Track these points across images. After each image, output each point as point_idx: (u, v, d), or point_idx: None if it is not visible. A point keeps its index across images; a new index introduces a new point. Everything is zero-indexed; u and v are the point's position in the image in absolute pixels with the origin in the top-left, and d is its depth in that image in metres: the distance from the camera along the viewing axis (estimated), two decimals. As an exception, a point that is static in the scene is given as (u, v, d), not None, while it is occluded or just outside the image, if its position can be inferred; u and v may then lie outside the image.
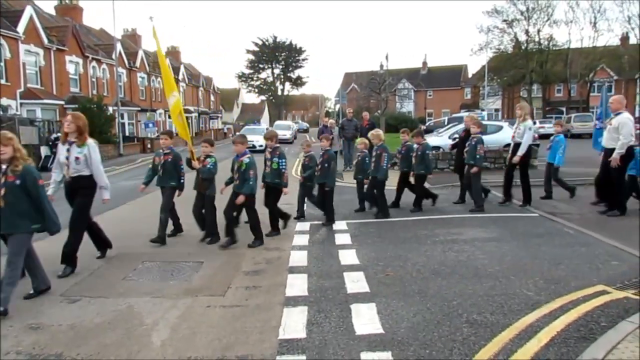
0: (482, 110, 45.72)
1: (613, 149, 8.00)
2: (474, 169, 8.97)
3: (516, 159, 9.06)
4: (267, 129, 35.02)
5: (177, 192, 7.27)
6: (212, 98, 64.89)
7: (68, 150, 5.72)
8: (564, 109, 49.98)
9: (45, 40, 27.42)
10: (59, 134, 19.59)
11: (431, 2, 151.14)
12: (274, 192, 7.51)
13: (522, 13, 48.21)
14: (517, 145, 9.08)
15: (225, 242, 6.87)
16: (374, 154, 8.68)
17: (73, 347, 3.83)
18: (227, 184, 7.21)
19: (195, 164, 7.22)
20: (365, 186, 8.95)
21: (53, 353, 3.74)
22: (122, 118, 31.96)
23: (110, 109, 30.07)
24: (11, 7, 27.87)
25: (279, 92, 79.99)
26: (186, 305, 4.69)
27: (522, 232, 7.44)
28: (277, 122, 46.94)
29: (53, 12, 35.48)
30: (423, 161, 9.06)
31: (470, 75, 67.32)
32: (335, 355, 3.62)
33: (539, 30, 48.46)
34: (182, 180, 7.25)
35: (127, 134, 33.16)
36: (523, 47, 49.27)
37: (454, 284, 5.10)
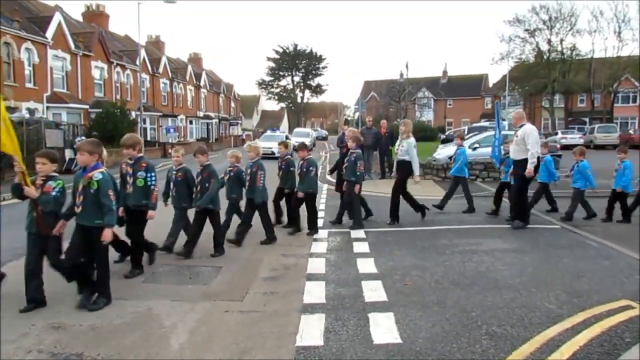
0: (503, 120, 45.24)
1: (521, 160, 8.11)
2: (357, 187, 8.27)
3: (417, 178, 8.85)
4: (286, 136, 35.26)
5: None
6: (232, 104, 65.51)
7: None
8: (586, 120, 49.21)
9: (72, 46, 28.10)
10: (84, 138, 20.12)
11: (452, 11, 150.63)
12: (138, 217, 5.80)
13: (544, 22, 47.61)
14: (401, 163, 8.84)
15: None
16: (247, 171, 7.38)
17: (93, 347, 3.88)
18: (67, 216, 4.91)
19: (31, 190, 4.67)
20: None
21: (74, 352, 3.79)
22: (144, 123, 32.54)
23: (133, 113, 30.56)
24: (40, 13, 28.65)
25: (299, 100, 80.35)
26: (204, 309, 4.72)
27: (543, 243, 7.33)
28: (296, 129, 47.12)
29: (80, 19, 36.31)
30: (307, 178, 8.01)
31: (490, 85, 66.76)
32: (353, 364, 3.60)
33: (561, 40, 47.82)
34: None
35: (148, 138, 33.72)
36: (545, 57, 48.62)
37: (474, 295, 5.04)
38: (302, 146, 8.55)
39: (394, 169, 9.29)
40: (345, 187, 8.52)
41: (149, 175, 5.75)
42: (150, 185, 5.75)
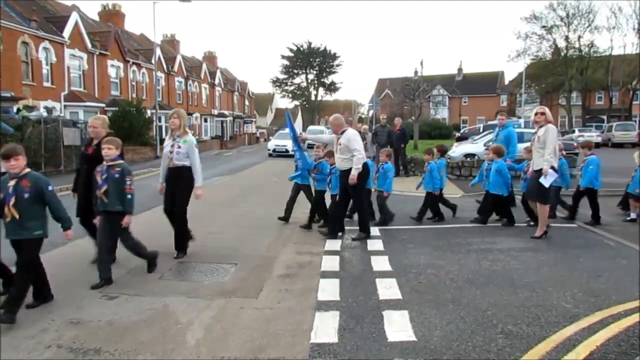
0: (519, 117, 44.77)
1: (348, 170, 7.28)
2: (126, 219, 5.49)
3: (200, 192, 6.52)
4: (301, 133, 35.31)
5: None
6: (246, 102, 65.83)
7: None
8: (604, 117, 48.48)
9: (89, 45, 28.46)
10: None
11: (467, 8, 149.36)
12: None
13: (561, 19, 46.99)
14: (178, 170, 6.43)
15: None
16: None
17: (111, 343, 3.94)
18: None
19: None
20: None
21: (92, 348, 3.85)
22: (160, 121, 32.78)
23: (149, 112, 30.83)
24: (58, 12, 29.05)
25: (313, 98, 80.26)
26: (220, 306, 4.76)
27: (560, 243, 7.25)
28: (310, 127, 47.09)
29: (97, 18, 36.73)
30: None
31: (506, 82, 66.09)
32: (367, 361, 3.60)
33: (579, 37, 47.16)
34: None
35: (163, 136, 33.84)
36: (562, 54, 48.01)
37: (489, 294, 5.01)
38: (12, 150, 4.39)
39: (162, 180, 6.62)
40: (105, 220, 5.45)
41: None
42: None
